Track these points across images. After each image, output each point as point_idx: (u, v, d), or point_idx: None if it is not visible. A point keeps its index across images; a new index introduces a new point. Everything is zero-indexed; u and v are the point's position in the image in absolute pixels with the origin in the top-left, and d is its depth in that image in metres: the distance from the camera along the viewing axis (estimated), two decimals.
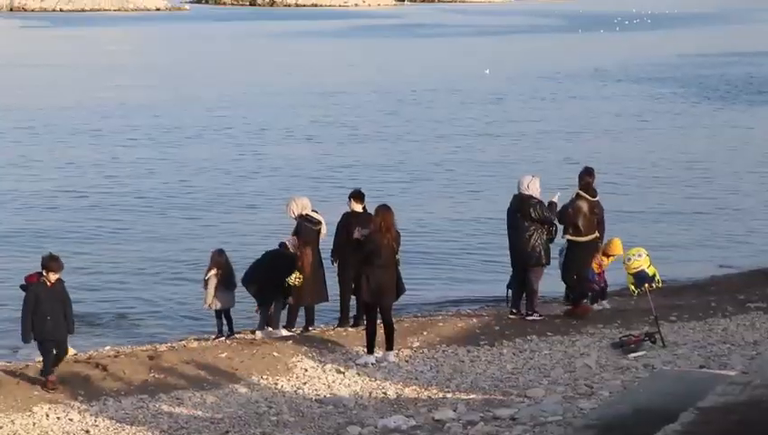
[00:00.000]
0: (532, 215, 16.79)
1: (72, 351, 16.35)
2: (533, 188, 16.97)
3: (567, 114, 44.70)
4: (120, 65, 65.21)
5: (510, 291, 17.48)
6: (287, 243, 16.71)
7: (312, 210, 16.89)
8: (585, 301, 17.38)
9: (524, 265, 17.04)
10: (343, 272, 16.80)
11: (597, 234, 17.00)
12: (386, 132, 39.87)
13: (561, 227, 17.13)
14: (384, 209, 15.15)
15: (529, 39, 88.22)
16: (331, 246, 16.94)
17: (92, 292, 20.73)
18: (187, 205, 27.95)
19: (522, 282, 17.19)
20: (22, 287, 14.02)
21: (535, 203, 16.85)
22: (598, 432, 8.50)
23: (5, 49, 75.70)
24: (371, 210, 15.79)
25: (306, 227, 16.64)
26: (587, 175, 17.10)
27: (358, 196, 16.94)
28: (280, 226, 17.78)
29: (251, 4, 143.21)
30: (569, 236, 17.02)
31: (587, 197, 16.88)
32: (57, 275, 13.92)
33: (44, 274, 13.85)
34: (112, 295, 20.61)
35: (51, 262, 13.90)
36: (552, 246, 17.23)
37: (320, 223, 16.81)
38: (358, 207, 16.84)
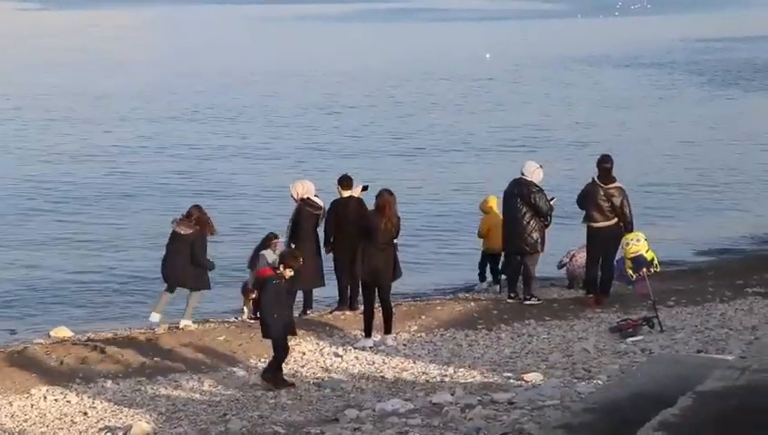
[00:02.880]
0: (532, 201, 16.78)
1: (69, 333, 16.39)
2: (537, 177, 17.00)
3: (562, 100, 44.56)
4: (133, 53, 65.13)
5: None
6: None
7: (315, 195, 16.91)
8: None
9: (521, 251, 17.03)
10: (338, 257, 16.80)
11: (614, 220, 16.85)
12: (382, 118, 39.71)
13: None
14: (386, 194, 15.26)
15: (528, 24, 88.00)
16: (323, 235, 16.93)
17: (91, 274, 20.73)
18: (193, 189, 27.80)
19: (516, 266, 17.19)
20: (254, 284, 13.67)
21: (537, 191, 16.89)
22: (596, 416, 8.49)
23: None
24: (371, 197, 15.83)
25: (306, 211, 16.66)
26: (603, 162, 17.07)
27: (345, 181, 17.00)
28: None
29: None
30: (586, 223, 17.03)
31: (599, 183, 16.86)
32: (292, 273, 13.65)
33: (281, 269, 13.55)
34: (111, 278, 20.59)
35: (290, 259, 13.65)
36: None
37: (320, 208, 16.84)
38: (346, 193, 16.88)
